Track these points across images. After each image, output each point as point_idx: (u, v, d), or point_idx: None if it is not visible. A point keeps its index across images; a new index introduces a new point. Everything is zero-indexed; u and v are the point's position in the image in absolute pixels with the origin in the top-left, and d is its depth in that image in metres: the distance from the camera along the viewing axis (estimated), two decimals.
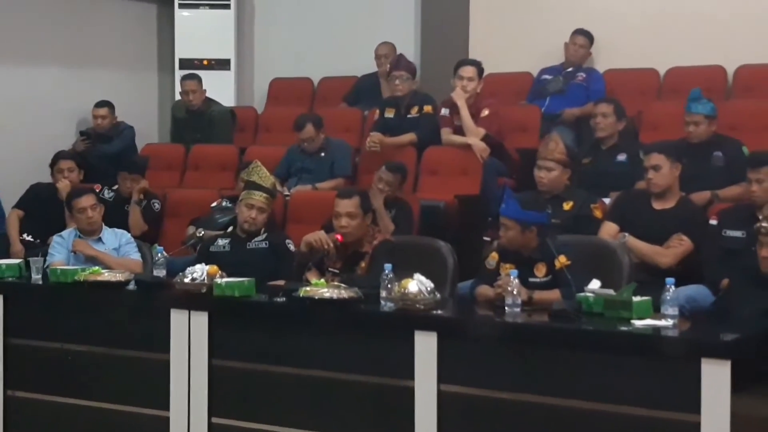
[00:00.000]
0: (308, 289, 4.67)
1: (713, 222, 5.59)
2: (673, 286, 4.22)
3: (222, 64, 9.40)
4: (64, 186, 7.34)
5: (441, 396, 4.34)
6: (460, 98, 7.20)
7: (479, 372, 4.31)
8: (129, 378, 5.10)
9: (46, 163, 7.73)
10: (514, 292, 4.45)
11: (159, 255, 5.47)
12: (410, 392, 4.38)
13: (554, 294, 4.78)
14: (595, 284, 4.52)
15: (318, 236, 5.42)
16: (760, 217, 4.89)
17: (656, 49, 7.95)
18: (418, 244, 5.85)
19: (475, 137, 7.11)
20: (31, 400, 5.35)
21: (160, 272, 5.39)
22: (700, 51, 7.76)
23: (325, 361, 4.62)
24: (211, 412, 4.86)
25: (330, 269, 5.39)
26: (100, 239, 6.16)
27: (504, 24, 8.63)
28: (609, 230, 5.70)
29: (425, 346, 4.35)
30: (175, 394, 4.92)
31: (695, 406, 3.83)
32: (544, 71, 8.17)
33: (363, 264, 5.34)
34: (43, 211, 7.32)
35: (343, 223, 5.37)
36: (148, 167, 7.74)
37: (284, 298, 4.83)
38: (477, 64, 7.36)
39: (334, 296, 4.60)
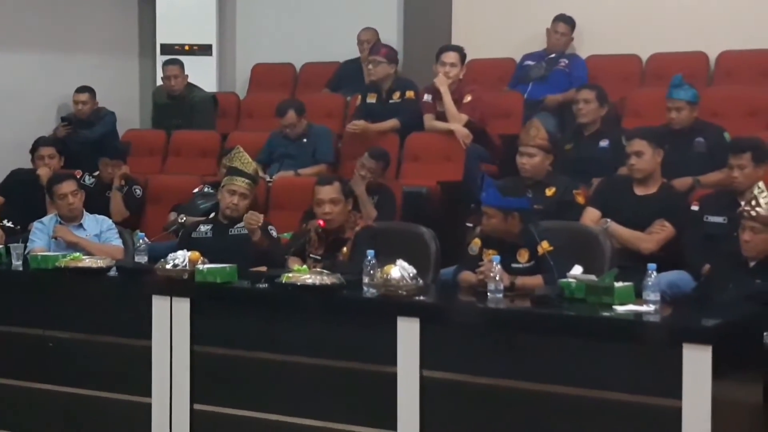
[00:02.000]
0: (290, 275, 4.66)
1: (695, 208, 5.61)
2: (654, 272, 4.22)
3: (204, 50, 9.35)
4: (44, 173, 7.30)
5: (423, 382, 4.34)
6: (442, 84, 7.19)
7: (462, 358, 4.31)
8: (110, 364, 5.08)
9: (27, 149, 7.69)
10: (497, 278, 4.45)
11: (140, 241, 5.46)
12: (393, 378, 4.38)
13: (536, 279, 4.79)
14: (577, 270, 4.53)
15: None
16: (743, 202, 4.90)
17: (638, 35, 7.97)
18: (400, 230, 5.85)
19: (457, 123, 7.11)
20: (12, 387, 5.32)
21: (142, 258, 5.38)
22: (682, 37, 7.78)
23: (308, 347, 4.61)
24: (193, 398, 4.85)
25: (311, 255, 5.38)
26: (81, 225, 6.13)
27: (486, 10, 8.62)
28: (591, 216, 5.71)
29: (408, 332, 4.35)
30: (156, 381, 4.91)
31: (677, 392, 3.84)
32: (526, 57, 8.16)
33: (345, 250, 5.34)
34: (23, 197, 7.28)
35: (327, 210, 5.37)
36: (130, 153, 7.71)
37: (266, 285, 4.83)
38: (459, 50, 7.35)
39: (317, 282, 4.59)
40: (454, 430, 4.31)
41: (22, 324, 5.30)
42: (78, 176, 7.01)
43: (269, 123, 7.83)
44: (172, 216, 6.79)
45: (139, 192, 7.41)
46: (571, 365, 4.09)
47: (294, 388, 4.66)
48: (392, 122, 7.46)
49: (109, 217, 6.50)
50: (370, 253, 4.70)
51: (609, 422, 4.01)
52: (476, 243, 5.09)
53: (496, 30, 8.51)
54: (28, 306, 5.32)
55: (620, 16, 8.08)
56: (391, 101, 7.60)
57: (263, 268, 5.27)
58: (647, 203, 5.67)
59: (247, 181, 5.75)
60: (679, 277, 5.21)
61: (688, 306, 4.85)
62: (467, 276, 4.99)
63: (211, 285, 4.82)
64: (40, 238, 6.07)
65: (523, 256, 4.92)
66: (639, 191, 5.73)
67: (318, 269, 4.80)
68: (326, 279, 4.62)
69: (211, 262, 4.94)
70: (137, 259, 5.41)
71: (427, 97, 7.36)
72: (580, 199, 5.92)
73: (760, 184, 4.85)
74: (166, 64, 8.57)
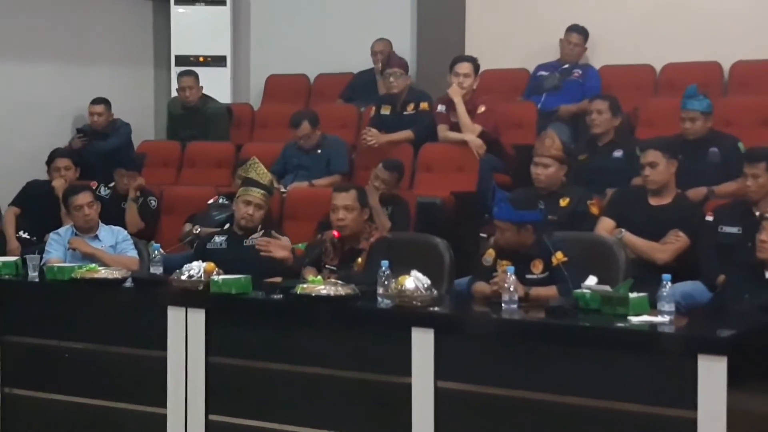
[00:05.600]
0: (305, 286, 4.67)
1: (709, 218, 5.60)
2: (669, 282, 4.22)
3: (218, 61, 9.39)
4: (59, 185, 7.32)
5: (438, 393, 4.34)
6: (456, 95, 7.20)
7: (476, 368, 4.31)
8: (126, 375, 5.10)
9: (43, 161, 7.73)
10: (511, 289, 4.45)
11: (156, 252, 5.48)
12: (407, 389, 4.39)
13: (551, 290, 4.79)
14: (591, 280, 4.53)
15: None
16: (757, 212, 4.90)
17: (652, 45, 7.96)
18: (414, 240, 5.85)
19: (471, 134, 7.12)
20: (29, 397, 5.35)
21: (157, 269, 5.40)
22: (696, 47, 7.77)
23: (322, 358, 4.62)
24: (208, 409, 4.86)
25: (327, 266, 5.39)
26: (96, 236, 6.16)
27: (500, 20, 8.62)
28: (605, 226, 5.71)
29: (422, 342, 4.36)
30: (172, 392, 4.92)
31: (692, 403, 3.84)
32: (540, 67, 8.17)
33: (360, 260, 5.34)
34: (39, 208, 7.32)
35: (341, 216, 5.38)
36: (145, 164, 7.73)
37: (281, 295, 4.83)
38: (473, 61, 7.36)
39: (331, 293, 4.60)
40: None
41: (38, 335, 5.32)
42: (93, 187, 7.05)
43: (283, 134, 7.85)
44: (187, 227, 6.81)
45: (154, 203, 7.43)
46: (585, 376, 4.08)
47: (309, 399, 4.67)
48: (406, 133, 7.48)
49: (125, 228, 6.52)
50: (385, 263, 4.70)
51: None
52: (490, 254, 5.08)
53: (510, 40, 8.52)
54: (44, 317, 5.34)
55: (633, 27, 8.08)
56: (405, 113, 7.62)
57: (278, 279, 5.28)
58: (661, 213, 5.66)
59: (262, 191, 5.76)
60: (693, 287, 5.20)
61: (703, 317, 4.84)
62: (481, 287, 4.99)
63: (226, 296, 4.83)
64: (56, 249, 6.10)
65: (537, 267, 4.92)
66: (653, 201, 5.73)
67: (333, 280, 4.81)
68: (341, 290, 4.62)
69: (226, 272, 4.95)
70: (152, 270, 5.44)
71: (440, 108, 7.38)
72: (594, 210, 5.91)
73: None
74: (180, 75, 8.61)
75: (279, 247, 5.51)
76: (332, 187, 5.70)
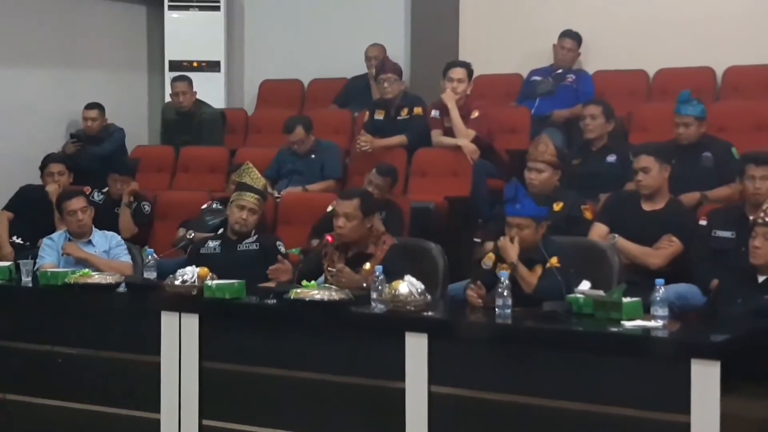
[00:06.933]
0: (299, 291, 4.68)
1: (703, 222, 5.61)
2: (662, 287, 4.23)
3: (212, 66, 9.39)
4: (53, 190, 7.31)
5: (432, 397, 4.35)
6: (450, 100, 7.21)
7: (470, 373, 4.32)
8: (119, 380, 5.09)
9: (36, 165, 7.70)
10: (505, 294, 4.45)
11: (149, 257, 5.48)
12: (401, 394, 4.39)
13: (534, 277, 4.78)
14: (585, 285, 4.54)
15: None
16: (752, 215, 4.89)
17: (645, 51, 7.98)
18: (408, 245, 5.85)
19: (465, 139, 7.13)
20: (22, 402, 5.33)
21: (151, 274, 5.40)
22: (689, 52, 7.79)
23: (316, 362, 4.63)
24: (202, 414, 4.86)
25: (329, 269, 5.36)
26: (90, 242, 6.15)
27: (493, 25, 8.64)
28: (599, 231, 5.71)
29: (416, 347, 4.36)
30: (165, 397, 4.92)
31: (685, 407, 3.84)
32: (533, 73, 8.18)
33: (368, 266, 5.25)
34: (32, 213, 7.30)
35: (340, 224, 5.34)
36: (138, 169, 7.73)
37: (275, 300, 4.84)
38: (467, 66, 7.37)
39: (325, 298, 4.61)
40: None
41: (31, 340, 5.32)
42: (87, 192, 7.04)
43: (277, 139, 7.85)
44: (181, 232, 6.80)
45: (147, 208, 7.43)
46: (579, 381, 4.09)
47: (302, 404, 4.67)
48: (399, 138, 7.48)
49: (118, 233, 6.52)
50: (379, 268, 4.70)
51: None
52: (490, 257, 5.05)
53: (503, 45, 8.53)
54: (37, 322, 5.33)
55: (627, 32, 8.09)
56: (399, 118, 7.62)
57: (272, 284, 5.28)
58: (655, 219, 5.67)
59: (256, 196, 5.77)
60: (688, 289, 5.19)
61: (696, 321, 4.84)
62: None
63: (220, 301, 4.83)
64: (50, 254, 6.10)
65: (537, 272, 4.90)
66: (646, 207, 5.74)
67: (326, 285, 4.81)
68: (334, 295, 4.63)
69: (219, 277, 4.96)
70: (146, 275, 5.43)
71: (434, 113, 7.39)
72: (588, 215, 5.92)
73: None
74: (174, 80, 8.61)
75: (285, 273, 5.47)
76: (338, 192, 5.63)
